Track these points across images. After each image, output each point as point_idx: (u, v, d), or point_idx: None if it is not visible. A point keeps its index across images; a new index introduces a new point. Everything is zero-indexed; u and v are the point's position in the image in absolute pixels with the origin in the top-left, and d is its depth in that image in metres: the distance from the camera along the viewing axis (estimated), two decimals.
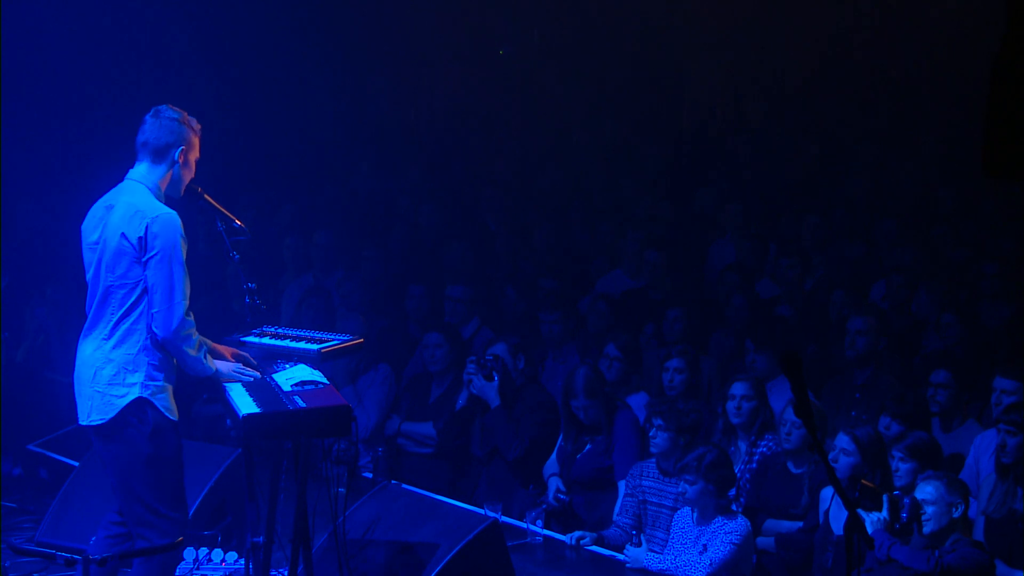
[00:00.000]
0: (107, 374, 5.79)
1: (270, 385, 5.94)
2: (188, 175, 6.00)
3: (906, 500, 6.55)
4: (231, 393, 5.87)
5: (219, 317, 9.50)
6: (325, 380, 5.99)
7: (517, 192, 12.96)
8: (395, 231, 12.21)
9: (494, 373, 8.41)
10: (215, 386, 6.01)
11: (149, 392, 5.79)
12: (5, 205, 10.62)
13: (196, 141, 5.99)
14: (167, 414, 5.83)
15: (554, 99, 14.60)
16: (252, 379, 5.98)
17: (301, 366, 6.11)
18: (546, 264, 11.08)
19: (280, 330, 6.39)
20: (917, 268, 10.17)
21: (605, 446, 7.90)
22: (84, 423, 5.89)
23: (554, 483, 8.02)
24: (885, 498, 6.56)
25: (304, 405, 5.71)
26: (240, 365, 6.04)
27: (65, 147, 12.22)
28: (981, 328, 9.15)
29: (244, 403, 5.74)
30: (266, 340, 6.26)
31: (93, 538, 6.15)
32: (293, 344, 6.22)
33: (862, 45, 13.88)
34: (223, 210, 6.21)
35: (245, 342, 6.25)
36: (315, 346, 6.18)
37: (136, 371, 5.79)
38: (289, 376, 6.00)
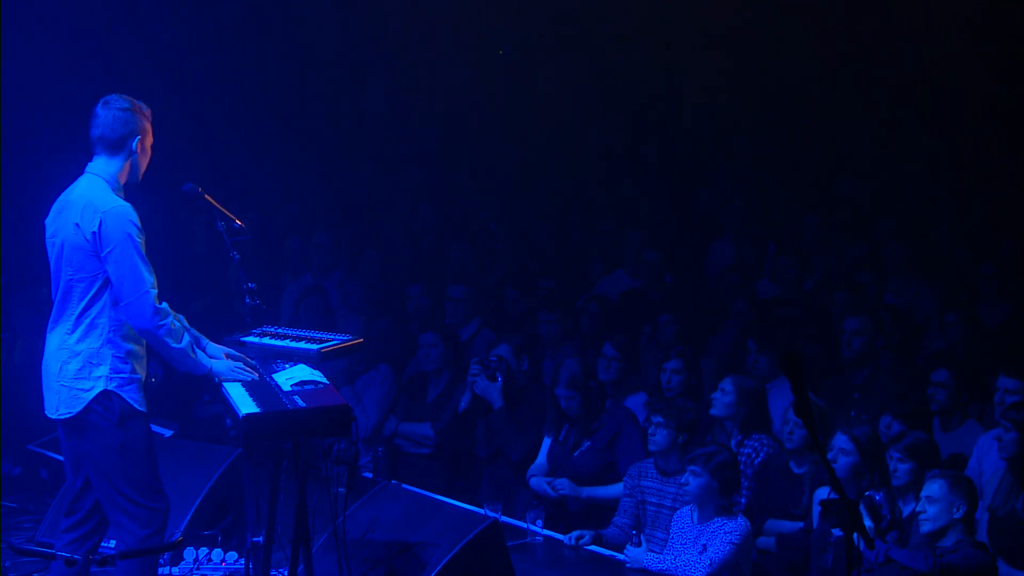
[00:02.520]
0: (72, 368, 5.79)
1: (270, 385, 5.94)
2: (145, 160, 5.97)
3: (878, 496, 6.53)
4: (231, 393, 5.87)
5: (219, 317, 9.51)
6: (325, 380, 5.99)
7: (517, 192, 12.95)
8: (395, 231, 12.20)
9: (498, 374, 8.42)
10: (215, 387, 6.01)
11: (115, 384, 5.78)
12: (5, 205, 10.61)
13: (149, 127, 5.96)
14: (135, 404, 5.81)
15: (554, 99, 14.57)
16: (251, 378, 5.98)
17: (301, 366, 6.10)
18: (546, 264, 11.07)
19: (280, 330, 6.38)
20: (918, 268, 10.16)
21: (605, 442, 7.90)
22: (52, 416, 5.88)
23: (539, 483, 8.01)
24: (862, 507, 6.50)
25: (304, 405, 5.71)
26: (238, 364, 6.04)
27: (65, 147, 12.19)
28: (981, 328, 9.15)
29: (244, 403, 5.74)
30: (266, 340, 6.26)
31: (57, 544, 6.02)
32: (293, 344, 6.22)
33: (862, 45, 13.84)
34: (223, 210, 6.21)
35: (245, 342, 6.25)
36: (315, 346, 6.18)
37: (100, 364, 5.78)
38: (289, 376, 6.00)
